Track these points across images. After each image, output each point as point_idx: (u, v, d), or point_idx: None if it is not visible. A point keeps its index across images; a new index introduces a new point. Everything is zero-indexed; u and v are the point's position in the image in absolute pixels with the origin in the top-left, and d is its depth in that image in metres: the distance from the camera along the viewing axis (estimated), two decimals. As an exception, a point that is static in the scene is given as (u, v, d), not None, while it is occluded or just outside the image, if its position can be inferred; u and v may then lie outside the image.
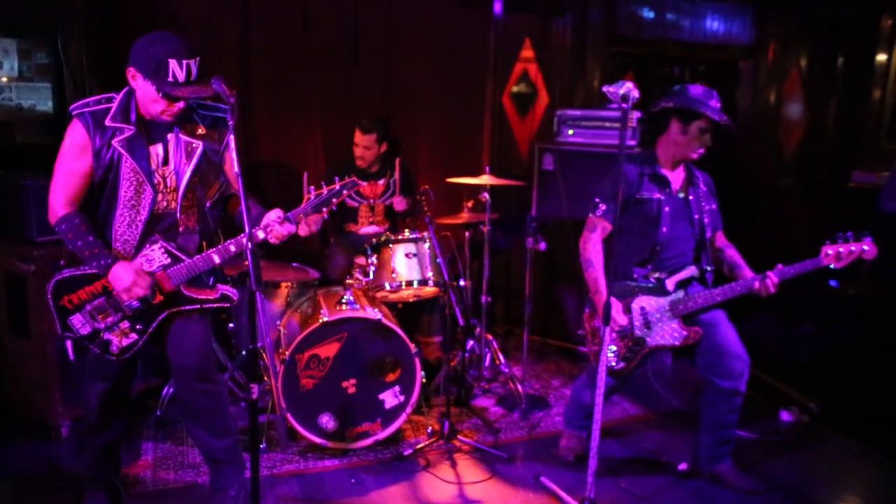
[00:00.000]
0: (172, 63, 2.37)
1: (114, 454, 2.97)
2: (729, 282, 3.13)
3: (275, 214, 2.57)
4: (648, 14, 5.31)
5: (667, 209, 3.19)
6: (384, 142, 4.29)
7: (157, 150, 2.57)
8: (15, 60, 3.85)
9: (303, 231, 3.98)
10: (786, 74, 5.75)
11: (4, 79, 3.83)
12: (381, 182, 4.33)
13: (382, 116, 4.43)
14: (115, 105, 2.52)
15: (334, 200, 2.57)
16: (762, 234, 5.62)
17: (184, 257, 2.59)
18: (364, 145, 4.23)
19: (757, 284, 3.01)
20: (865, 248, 2.94)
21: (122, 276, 2.52)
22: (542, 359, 4.80)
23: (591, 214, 3.22)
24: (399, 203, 4.28)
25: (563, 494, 3.08)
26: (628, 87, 2.56)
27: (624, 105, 2.59)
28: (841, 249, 2.95)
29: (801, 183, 5.84)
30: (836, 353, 4.43)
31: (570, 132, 4.63)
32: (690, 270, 3.21)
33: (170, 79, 2.38)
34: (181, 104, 2.49)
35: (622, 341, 3.18)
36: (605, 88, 2.61)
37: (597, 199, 3.21)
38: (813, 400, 4.06)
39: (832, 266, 2.97)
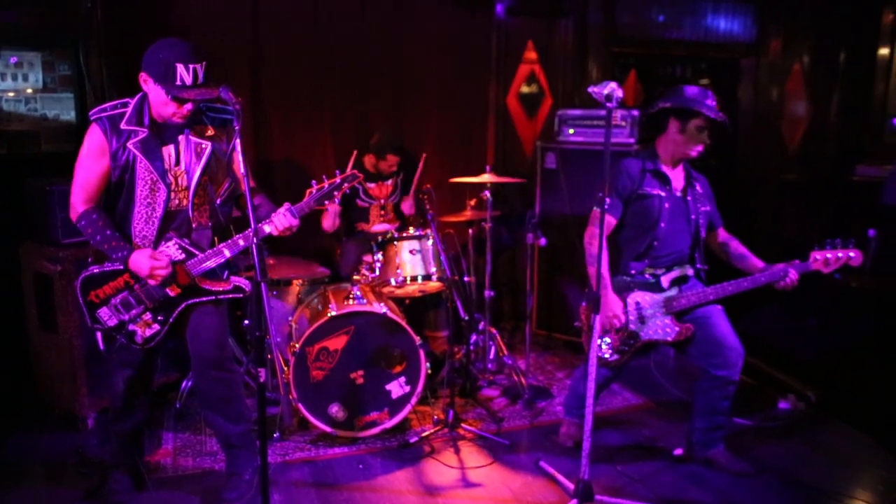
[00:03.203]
0: (180, 67, 2.54)
1: (136, 441, 3.16)
2: (738, 274, 3.24)
3: (284, 209, 2.73)
4: (649, 14, 5.42)
5: (667, 206, 3.30)
6: None
7: (170, 150, 2.75)
8: (40, 73, 4.06)
9: (327, 225, 4.20)
10: (788, 71, 5.82)
11: (30, 90, 4.04)
12: (389, 182, 4.51)
13: (394, 125, 4.68)
14: (129, 109, 2.71)
15: (336, 193, 2.70)
16: (766, 228, 5.71)
17: (196, 252, 2.77)
18: (392, 163, 4.45)
19: (781, 284, 3.13)
20: (852, 254, 3.08)
21: (141, 264, 2.69)
22: (548, 352, 4.95)
23: (596, 208, 3.33)
24: (408, 208, 4.49)
25: (560, 477, 3.22)
26: (612, 87, 2.70)
27: (609, 105, 2.73)
28: (829, 255, 3.08)
29: (804, 177, 5.91)
30: (839, 344, 4.51)
31: (571, 131, 4.77)
32: (685, 269, 3.34)
33: (178, 82, 2.55)
34: (189, 106, 2.66)
35: (616, 334, 3.31)
36: (590, 89, 2.75)
37: (601, 194, 3.31)
38: (811, 389, 4.15)
39: (821, 271, 3.10)
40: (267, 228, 2.72)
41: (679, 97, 3.26)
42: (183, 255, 2.76)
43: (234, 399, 3.00)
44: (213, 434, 3.25)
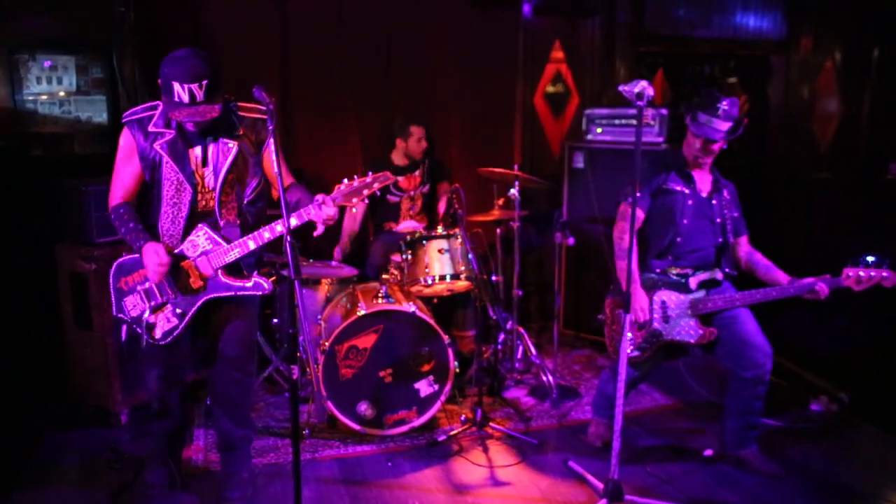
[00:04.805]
0: (176, 86, 2.53)
1: (177, 438, 3.18)
2: (762, 285, 3.22)
3: (319, 199, 2.67)
4: (677, 12, 5.38)
5: (689, 202, 3.30)
6: None
7: (196, 152, 2.78)
8: (73, 76, 4.13)
9: (346, 237, 4.20)
10: (819, 68, 5.75)
11: (63, 93, 4.12)
12: (417, 173, 4.55)
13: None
14: (158, 112, 2.75)
15: (365, 192, 2.68)
16: (797, 227, 5.64)
17: (223, 244, 2.78)
18: (419, 136, 4.48)
19: (808, 296, 3.12)
20: (885, 275, 3.01)
21: (149, 257, 2.72)
22: (576, 351, 4.93)
23: (623, 202, 3.33)
24: (442, 203, 4.55)
25: (590, 477, 3.21)
26: (643, 86, 2.68)
27: (639, 103, 2.72)
28: (861, 273, 3.02)
29: (836, 176, 5.83)
30: (869, 345, 4.44)
31: (599, 130, 4.75)
32: (714, 272, 3.31)
33: (175, 99, 2.56)
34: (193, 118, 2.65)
35: (640, 331, 3.29)
36: (620, 87, 2.74)
37: (629, 188, 3.28)
38: (843, 390, 4.09)
39: (852, 288, 3.04)
40: (293, 221, 2.67)
41: (692, 102, 3.26)
42: (210, 246, 2.78)
43: (244, 403, 3.06)
44: (215, 429, 3.20)
